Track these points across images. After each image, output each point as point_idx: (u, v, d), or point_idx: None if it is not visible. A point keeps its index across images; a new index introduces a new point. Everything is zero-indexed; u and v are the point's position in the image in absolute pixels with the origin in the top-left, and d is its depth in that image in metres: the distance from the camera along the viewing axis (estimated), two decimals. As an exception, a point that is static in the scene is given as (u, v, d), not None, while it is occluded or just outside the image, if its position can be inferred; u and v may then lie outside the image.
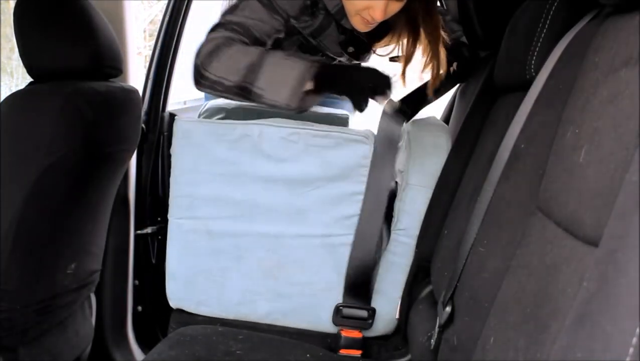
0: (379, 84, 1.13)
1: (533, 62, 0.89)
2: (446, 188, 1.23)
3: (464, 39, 1.37)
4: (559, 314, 0.51)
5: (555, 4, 0.88)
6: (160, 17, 1.62)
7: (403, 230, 1.24)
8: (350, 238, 1.22)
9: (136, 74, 1.56)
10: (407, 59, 1.33)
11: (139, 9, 1.57)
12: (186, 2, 1.57)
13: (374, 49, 1.44)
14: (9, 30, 1.18)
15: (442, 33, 1.29)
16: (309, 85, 1.12)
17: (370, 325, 1.24)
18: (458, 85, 1.63)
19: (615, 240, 0.37)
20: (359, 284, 1.22)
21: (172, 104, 1.69)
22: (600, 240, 0.41)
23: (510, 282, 0.67)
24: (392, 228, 1.26)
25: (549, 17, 0.88)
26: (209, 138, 1.21)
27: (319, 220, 1.21)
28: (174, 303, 1.29)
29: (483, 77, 1.24)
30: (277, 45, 1.27)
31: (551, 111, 0.72)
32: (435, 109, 1.78)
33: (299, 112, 1.16)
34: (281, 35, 1.25)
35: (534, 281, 0.60)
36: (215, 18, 1.23)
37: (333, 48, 1.39)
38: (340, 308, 1.22)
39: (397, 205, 1.25)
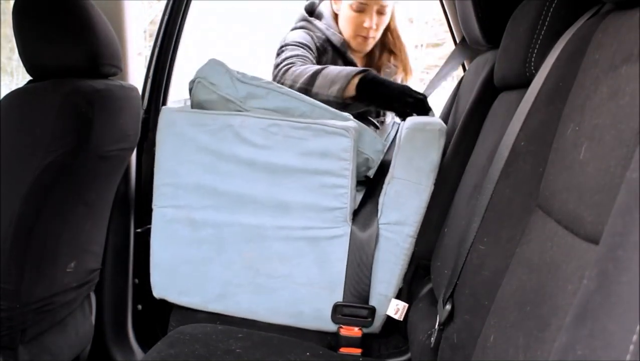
0: (416, 102, 1.42)
1: (533, 59, 0.89)
2: (445, 186, 1.23)
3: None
4: (559, 312, 0.51)
5: (555, 2, 0.87)
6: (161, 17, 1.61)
7: (387, 224, 1.23)
8: (332, 232, 1.21)
9: (136, 73, 1.56)
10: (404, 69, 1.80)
11: (139, 9, 1.57)
12: (185, 1, 1.57)
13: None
14: (9, 30, 1.17)
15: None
16: (352, 92, 1.42)
17: (370, 323, 1.24)
18: (457, 82, 1.63)
19: (616, 238, 0.37)
20: (357, 282, 1.22)
21: (172, 103, 1.69)
22: (600, 237, 0.41)
23: (511, 280, 0.67)
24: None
25: (549, 14, 0.88)
26: (191, 128, 1.22)
27: (300, 212, 1.21)
28: (157, 292, 1.29)
29: (483, 75, 1.24)
30: None
31: (551, 108, 0.72)
32: (435, 107, 1.79)
33: (345, 103, 1.45)
34: None
35: (534, 279, 0.60)
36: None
37: None
38: (340, 306, 1.22)
39: (382, 199, 1.24)
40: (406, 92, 1.43)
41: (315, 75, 1.46)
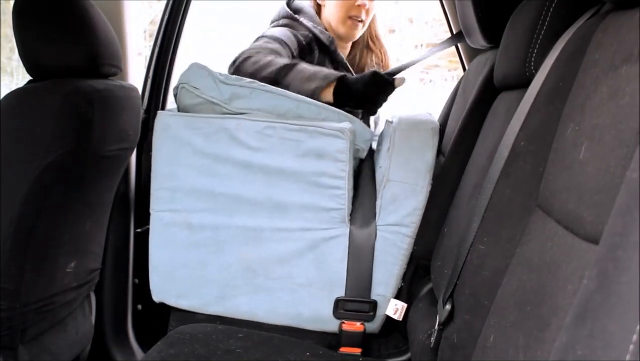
0: (386, 91, 1.40)
1: (533, 59, 0.89)
2: (445, 187, 1.23)
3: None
4: (559, 311, 0.51)
5: (555, 2, 0.87)
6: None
7: (385, 225, 1.23)
8: (330, 233, 1.21)
9: (136, 73, 1.56)
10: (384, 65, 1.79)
11: (139, 9, 1.56)
12: (185, 1, 1.57)
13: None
14: (9, 30, 1.17)
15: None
16: (329, 94, 1.36)
17: (372, 317, 1.23)
18: (457, 82, 1.63)
19: (616, 238, 0.37)
20: (356, 283, 1.22)
21: (172, 103, 1.69)
22: (600, 237, 0.41)
23: (510, 280, 0.67)
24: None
25: (549, 14, 0.88)
26: (186, 131, 1.23)
27: (298, 213, 1.21)
28: (156, 296, 1.30)
29: (483, 75, 1.24)
30: None
31: (551, 108, 0.72)
32: (435, 107, 1.79)
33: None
34: None
35: (534, 278, 0.60)
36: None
37: None
38: (342, 301, 1.22)
39: (379, 201, 1.24)
40: (379, 94, 1.39)
41: (286, 67, 1.37)
